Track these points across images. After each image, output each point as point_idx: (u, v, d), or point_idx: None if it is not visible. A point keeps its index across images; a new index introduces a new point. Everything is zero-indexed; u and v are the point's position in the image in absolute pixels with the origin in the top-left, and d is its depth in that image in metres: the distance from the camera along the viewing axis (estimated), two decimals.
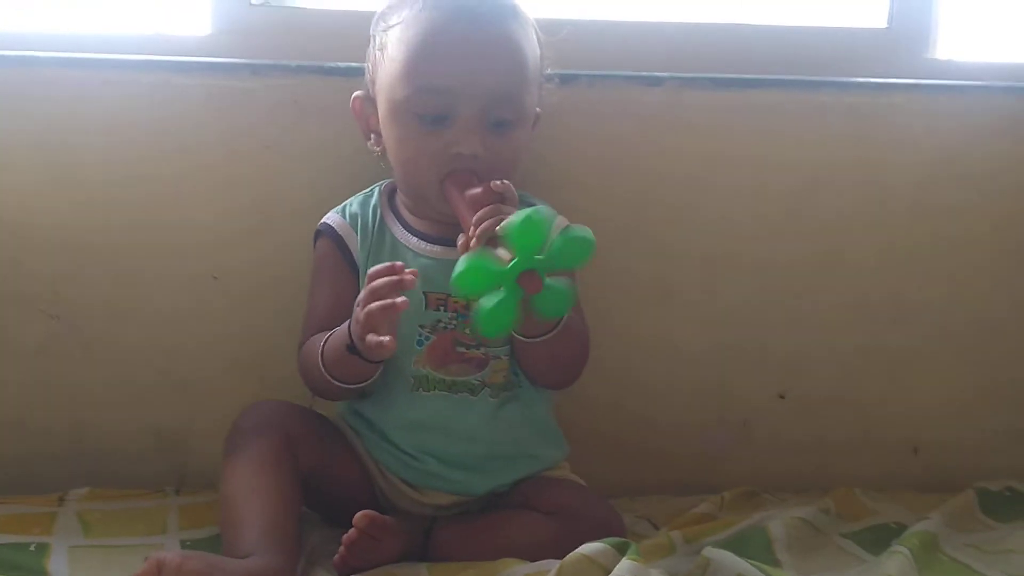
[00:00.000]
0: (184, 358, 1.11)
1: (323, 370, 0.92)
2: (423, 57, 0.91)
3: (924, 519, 1.02)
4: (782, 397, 1.16)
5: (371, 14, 0.99)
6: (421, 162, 0.93)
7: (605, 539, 0.84)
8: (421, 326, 0.95)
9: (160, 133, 1.07)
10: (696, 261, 1.13)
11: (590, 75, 1.08)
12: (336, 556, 0.89)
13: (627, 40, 1.15)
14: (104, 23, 1.14)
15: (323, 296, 0.99)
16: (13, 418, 1.10)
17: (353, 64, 1.04)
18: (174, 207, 1.08)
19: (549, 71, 0.99)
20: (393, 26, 0.94)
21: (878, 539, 1.01)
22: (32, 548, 0.94)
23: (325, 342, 0.92)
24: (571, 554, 0.83)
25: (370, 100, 0.98)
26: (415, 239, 0.98)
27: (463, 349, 0.96)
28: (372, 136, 0.99)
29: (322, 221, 1.01)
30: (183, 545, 0.97)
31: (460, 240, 0.86)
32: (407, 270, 0.84)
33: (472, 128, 0.91)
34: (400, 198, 1.01)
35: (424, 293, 0.95)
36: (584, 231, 0.80)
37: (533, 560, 0.88)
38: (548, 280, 0.80)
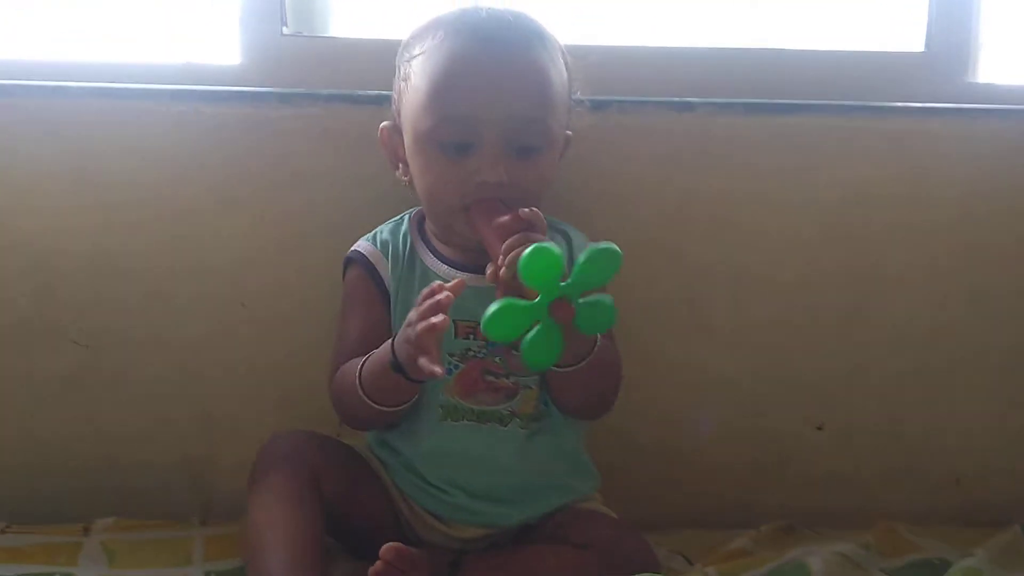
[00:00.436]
0: (211, 387, 1.10)
1: (361, 393, 0.90)
2: (445, 86, 0.91)
3: (969, 555, 0.99)
4: (820, 429, 1.13)
5: (400, 43, 0.99)
6: (446, 191, 0.92)
7: (639, 574, 0.82)
8: (450, 354, 0.94)
9: (190, 162, 1.07)
10: (728, 290, 1.11)
11: (621, 100, 1.07)
12: None
13: (659, 66, 1.14)
14: (135, 53, 1.16)
15: (354, 325, 0.98)
16: (41, 448, 1.11)
17: (383, 92, 1.04)
18: (203, 235, 1.08)
19: (579, 94, 0.98)
20: (416, 56, 0.94)
21: None
22: None
23: (363, 365, 0.91)
24: None
25: (397, 130, 0.98)
26: (445, 267, 0.97)
27: (492, 378, 0.94)
28: (400, 166, 0.98)
29: (352, 249, 1.01)
30: None
31: (489, 269, 0.84)
32: (448, 285, 0.83)
33: (496, 155, 0.90)
34: (428, 226, 1.00)
35: (454, 321, 0.93)
36: (607, 244, 0.78)
37: None
38: (584, 300, 0.79)
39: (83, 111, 1.06)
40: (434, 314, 0.81)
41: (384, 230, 1.01)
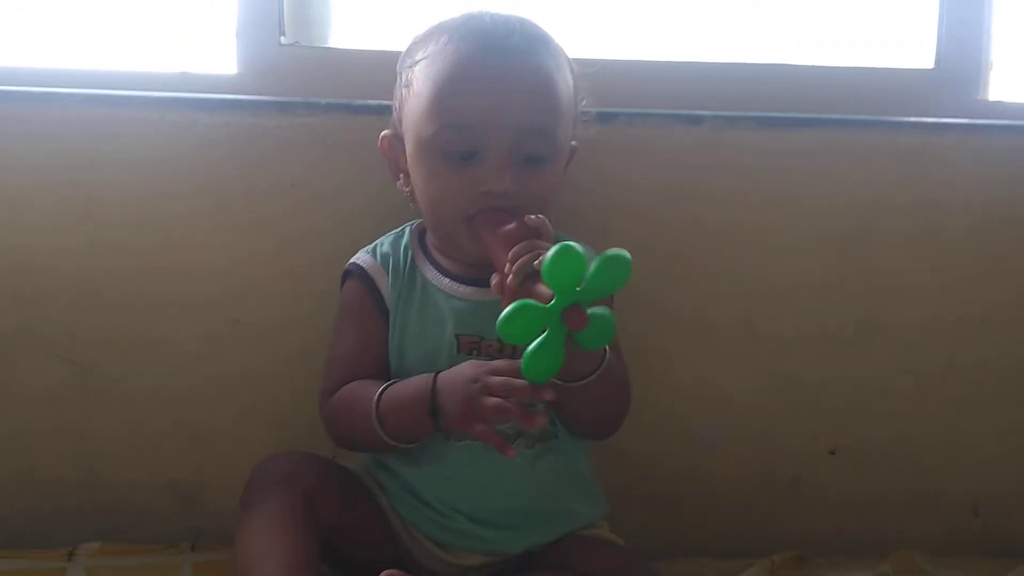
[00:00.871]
0: (202, 406, 1.08)
1: (377, 426, 0.88)
2: (449, 92, 0.88)
3: None
4: (832, 453, 1.11)
5: (399, 53, 0.98)
6: (449, 201, 0.90)
7: None
8: None
9: (186, 171, 1.06)
10: (737, 306, 1.09)
11: (629, 113, 1.06)
12: None
13: (668, 79, 1.13)
14: (131, 61, 1.15)
15: (349, 340, 0.96)
16: (24, 468, 1.09)
17: (382, 102, 1.03)
18: (197, 247, 1.07)
19: (585, 104, 0.97)
20: (418, 61, 0.92)
21: None
22: None
23: (382, 395, 0.88)
24: None
25: (398, 139, 0.95)
26: (447, 280, 0.95)
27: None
28: (401, 176, 0.96)
29: (352, 261, 0.99)
30: None
31: (494, 280, 0.82)
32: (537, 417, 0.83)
33: (501, 164, 0.88)
34: (430, 239, 0.98)
35: (456, 336, 0.92)
36: (618, 251, 0.76)
37: None
38: (589, 311, 0.77)
39: (75, 119, 1.05)
40: (505, 395, 0.81)
41: (385, 242, 0.99)
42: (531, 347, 0.76)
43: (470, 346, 0.92)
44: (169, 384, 1.08)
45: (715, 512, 1.10)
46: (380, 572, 0.83)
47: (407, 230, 1.00)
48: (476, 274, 0.92)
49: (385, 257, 0.97)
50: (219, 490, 1.07)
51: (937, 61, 1.17)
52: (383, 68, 1.01)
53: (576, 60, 0.95)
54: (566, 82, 0.93)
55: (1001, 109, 1.16)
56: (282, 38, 1.13)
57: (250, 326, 1.07)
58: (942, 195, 1.09)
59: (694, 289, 1.09)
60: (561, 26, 0.95)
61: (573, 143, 0.95)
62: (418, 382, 0.87)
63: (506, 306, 0.77)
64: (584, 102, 0.96)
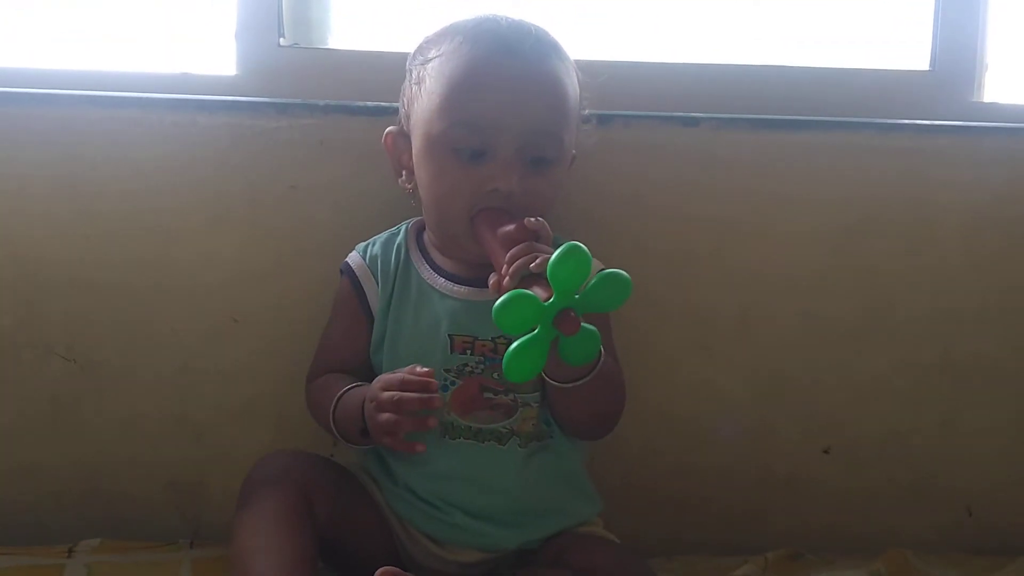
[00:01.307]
0: (201, 404, 1.08)
1: (332, 425, 0.93)
2: (463, 90, 0.89)
3: None
4: (826, 452, 1.11)
5: (399, 55, 0.98)
6: (455, 198, 0.90)
7: None
8: (446, 370, 0.92)
9: (185, 172, 1.06)
10: (734, 306, 1.09)
11: (625, 115, 1.06)
12: None
13: (664, 81, 1.13)
14: (131, 63, 1.15)
15: (336, 332, 0.99)
16: (25, 465, 1.08)
17: (381, 104, 1.04)
18: (196, 247, 1.07)
19: (587, 112, 0.97)
20: (431, 59, 0.92)
21: None
22: None
23: (338, 401, 0.92)
24: None
25: (404, 136, 0.96)
26: (442, 279, 0.95)
27: (490, 395, 0.92)
28: (404, 173, 0.96)
29: (346, 259, 1.00)
30: None
31: (491, 279, 0.82)
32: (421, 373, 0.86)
33: (510, 164, 0.89)
34: (428, 237, 0.98)
35: (450, 336, 0.92)
36: (621, 272, 0.77)
37: None
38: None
39: (75, 120, 1.05)
40: (395, 410, 0.85)
41: (377, 242, 1.00)
42: (514, 345, 0.76)
43: (464, 346, 0.92)
44: (168, 382, 1.08)
45: (710, 509, 1.10)
46: (376, 569, 0.84)
47: (403, 228, 1.00)
48: (473, 274, 0.93)
49: (374, 260, 0.98)
50: (218, 487, 1.07)
51: (933, 63, 1.17)
52: (382, 70, 1.02)
53: (578, 64, 0.96)
54: (574, 88, 0.94)
55: (996, 111, 1.16)
56: (281, 39, 1.13)
57: (249, 325, 1.07)
58: (937, 196, 1.09)
59: (690, 289, 1.08)
60: (559, 27, 0.95)
61: (572, 151, 0.96)
62: (358, 397, 0.90)
63: None
64: (587, 110, 0.97)
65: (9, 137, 1.05)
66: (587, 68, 0.96)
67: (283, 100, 1.06)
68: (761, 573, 1.01)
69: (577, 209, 1.02)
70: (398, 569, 0.84)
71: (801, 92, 1.14)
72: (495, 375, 0.91)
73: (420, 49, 0.95)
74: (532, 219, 0.84)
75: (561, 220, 0.97)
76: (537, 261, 0.78)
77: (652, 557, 1.01)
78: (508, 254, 0.81)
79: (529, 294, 0.75)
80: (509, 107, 0.89)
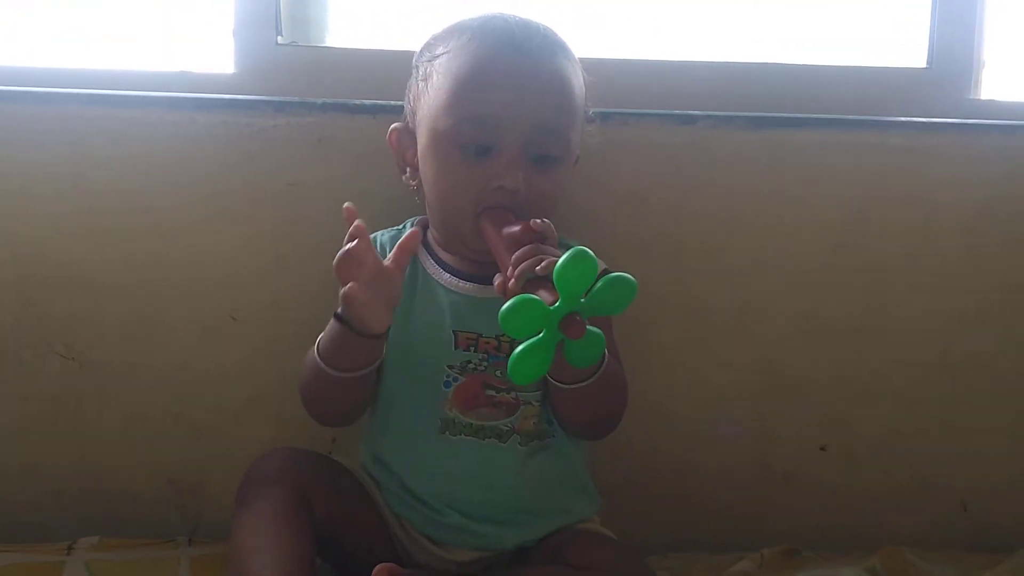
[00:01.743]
0: (200, 402, 1.08)
1: (320, 363, 0.87)
2: (470, 86, 0.89)
3: None
4: (823, 450, 1.11)
5: (396, 53, 0.99)
6: (459, 194, 0.90)
7: None
8: (449, 366, 0.92)
9: (183, 170, 1.06)
10: (731, 304, 1.09)
11: (623, 113, 1.06)
12: None
13: (661, 79, 1.13)
14: (129, 61, 1.15)
15: None
16: (24, 463, 1.09)
17: (379, 102, 1.04)
18: (195, 245, 1.07)
19: (591, 111, 0.97)
20: (439, 56, 0.92)
21: None
22: None
23: (320, 337, 0.89)
24: None
25: (408, 132, 0.96)
26: (447, 275, 0.95)
27: (493, 392, 0.92)
28: (408, 170, 0.97)
29: None
30: None
31: (497, 280, 0.82)
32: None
33: (515, 161, 0.89)
34: (432, 234, 0.98)
35: (454, 332, 0.92)
36: (627, 276, 0.76)
37: None
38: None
39: (74, 118, 1.05)
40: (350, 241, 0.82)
41: (384, 234, 0.99)
42: (520, 348, 0.76)
43: (468, 342, 0.92)
44: (168, 379, 1.08)
45: (707, 506, 1.11)
46: (374, 567, 0.84)
47: (408, 225, 1.00)
48: (477, 270, 0.93)
49: (383, 248, 0.97)
50: (217, 485, 1.07)
51: (930, 60, 1.17)
52: (379, 68, 1.02)
53: (581, 62, 0.95)
54: (580, 87, 0.94)
55: (993, 108, 1.16)
56: (279, 38, 1.13)
57: (247, 323, 1.07)
58: (935, 194, 1.09)
59: (688, 287, 1.08)
60: (557, 26, 0.95)
61: (577, 151, 0.96)
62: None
63: None
64: (590, 110, 0.97)
65: (8, 136, 1.05)
66: (585, 66, 0.96)
67: (281, 98, 1.06)
68: (757, 570, 1.01)
69: (574, 206, 1.02)
70: (396, 565, 0.85)
71: (798, 90, 1.14)
72: (498, 373, 0.91)
73: (427, 46, 0.95)
74: (538, 221, 0.84)
75: (559, 217, 0.97)
76: (543, 264, 0.78)
77: (649, 554, 1.01)
78: (513, 256, 0.81)
79: (535, 299, 0.75)
80: (516, 104, 0.88)
